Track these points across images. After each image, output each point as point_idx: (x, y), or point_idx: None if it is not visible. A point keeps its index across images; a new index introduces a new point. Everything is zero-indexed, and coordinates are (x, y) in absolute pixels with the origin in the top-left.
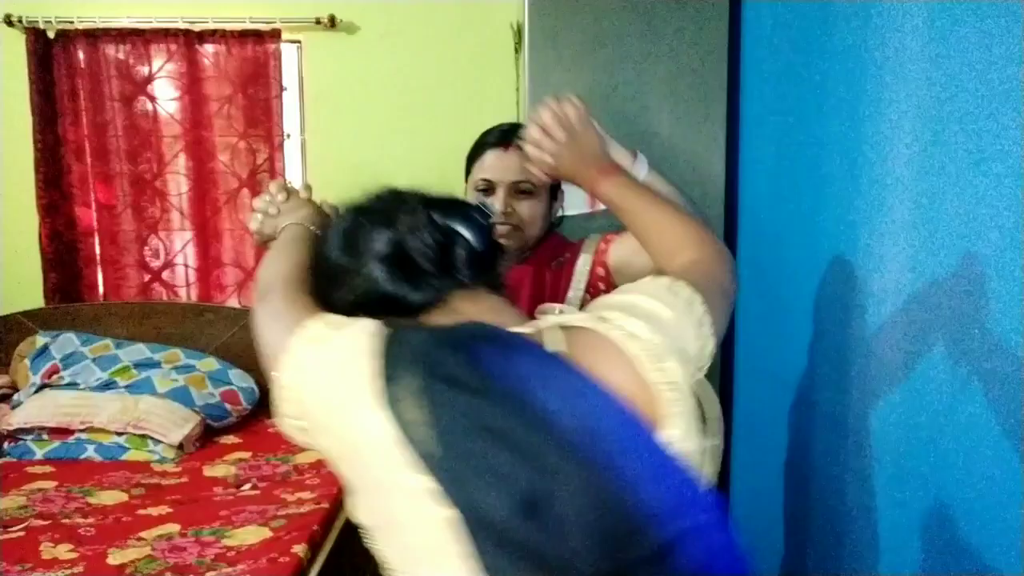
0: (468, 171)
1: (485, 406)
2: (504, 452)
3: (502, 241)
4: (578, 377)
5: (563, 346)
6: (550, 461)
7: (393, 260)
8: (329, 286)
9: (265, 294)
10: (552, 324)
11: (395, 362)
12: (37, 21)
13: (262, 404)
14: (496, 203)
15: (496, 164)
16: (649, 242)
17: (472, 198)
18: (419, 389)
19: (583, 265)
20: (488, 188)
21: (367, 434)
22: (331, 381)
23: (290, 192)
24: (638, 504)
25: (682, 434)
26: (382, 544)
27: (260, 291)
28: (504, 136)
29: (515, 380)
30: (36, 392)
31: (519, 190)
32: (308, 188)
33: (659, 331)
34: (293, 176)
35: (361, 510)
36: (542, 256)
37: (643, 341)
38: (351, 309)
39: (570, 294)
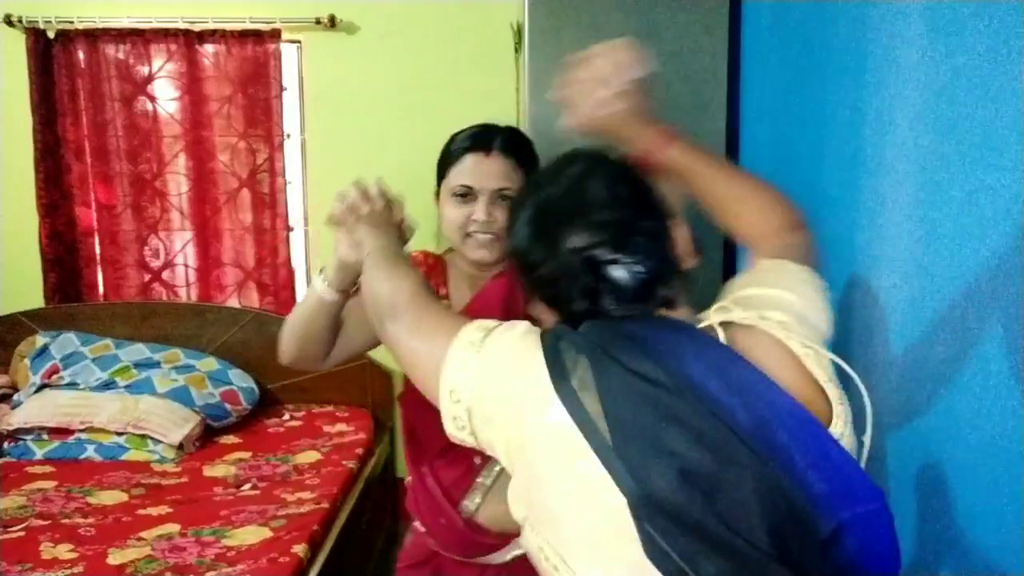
0: (442, 174)
1: (661, 394)
2: (680, 438)
3: (483, 252)
4: (751, 370)
5: (725, 343)
6: (726, 449)
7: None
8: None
9: (393, 311)
10: (713, 321)
11: (568, 355)
12: (37, 21)
13: (262, 404)
14: (478, 211)
15: (477, 169)
16: (730, 212)
17: (447, 205)
18: (593, 379)
19: None
20: (467, 194)
21: (541, 426)
22: (500, 377)
23: (390, 202)
24: (810, 494)
25: (846, 429)
26: (543, 537)
27: (384, 309)
28: (485, 140)
29: (690, 370)
30: (36, 392)
31: (501, 197)
32: (400, 206)
33: (807, 324)
34: (293, 176)
35: (523, 503)
36: (506, 276)
37: (803, 337)
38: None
39: None
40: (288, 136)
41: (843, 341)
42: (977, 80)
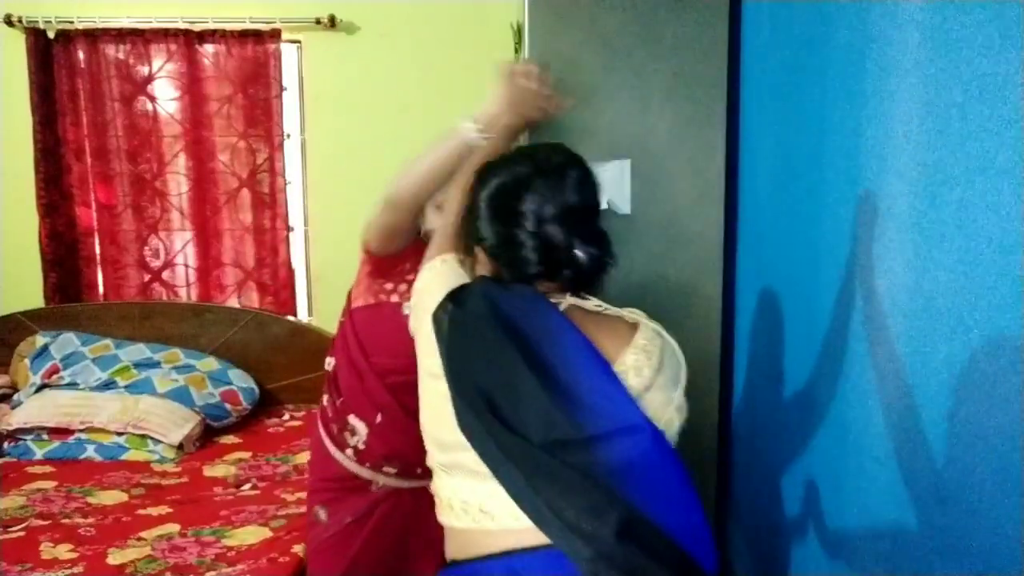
0: None
1: (486, 328)
2: (482, 359)
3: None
4: (567, 327)
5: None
6: (516, 368)
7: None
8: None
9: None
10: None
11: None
12: (37, 21)
13: (262, 404)
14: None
15: None
16: None
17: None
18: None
19: None
20: None
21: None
22: (425, 297)
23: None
24: (576, 403)
25: (636, 376)
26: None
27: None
28: None
29: (517, 316)
30: (36, 392)
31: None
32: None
33: None
34: (293, 176)
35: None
36: None
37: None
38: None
39: None
40: (288, 136)
41: (843, 341)
42: (977, 80)
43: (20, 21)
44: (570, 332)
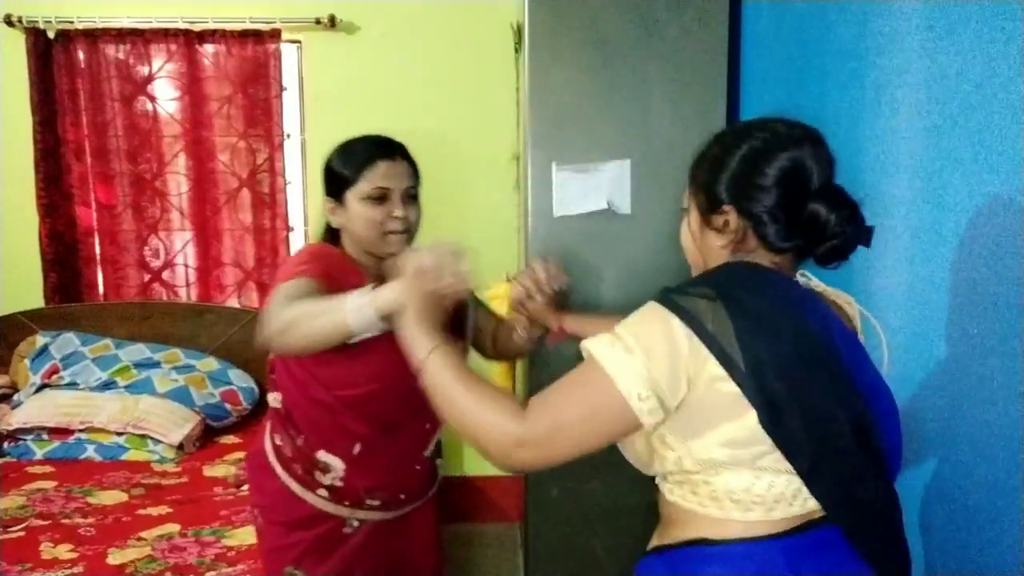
0: (349, 179)
1: (777, 319)
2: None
3: (397, 246)
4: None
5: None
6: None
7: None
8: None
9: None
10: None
11: (695, 307)
12: (37, 21)
13: (262, 404)
14: (396, 209)
15: (390, 172)
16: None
17: (362, 207)
18: (728, 319)
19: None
20: (383, 196)
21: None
22: (659, 357)
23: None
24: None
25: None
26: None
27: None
28: (390, 147)
29: (792, 309)
30: (36, 392)
31: (409, 196)
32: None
33: None
34: (293, 176)
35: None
36: None
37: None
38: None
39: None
40: (288, 136)
41: None
42: (977, 79)
43: (20, 21)
44: (832, 315)
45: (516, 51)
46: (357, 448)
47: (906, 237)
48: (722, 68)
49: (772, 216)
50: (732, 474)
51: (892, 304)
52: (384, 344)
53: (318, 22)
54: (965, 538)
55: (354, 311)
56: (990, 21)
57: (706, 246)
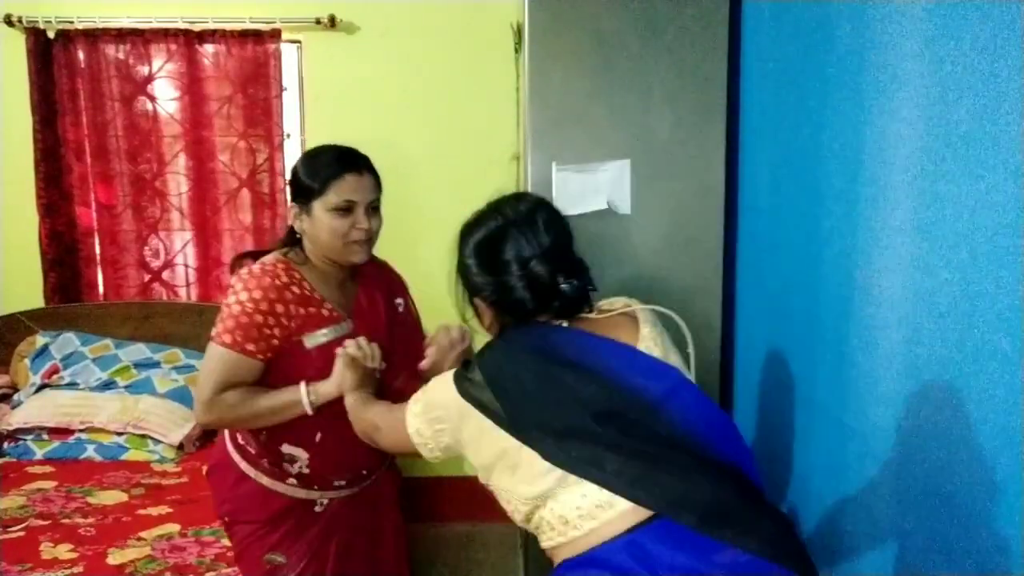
0: (317, 190)
1: (518, 370)
2: (530, 394)
3: (361, 255)
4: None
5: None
6: (558, 378)
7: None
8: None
9: (375, 429)
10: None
11: (473, 376)
12: (37, 21)
13: None
14: (361, 221)
15: (357, 186)
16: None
17: (327, 218)
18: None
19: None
20: (349, 208)
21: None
22: (439, 416)
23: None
24: (628, 378)
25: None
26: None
27: (370, 429)
28: (355, 160)
29: (536, 344)
30: (36, 392)
31: (372, 207)
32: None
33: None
34: None
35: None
36: (370, 275)
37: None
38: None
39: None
40: (288, 136)
41: (843, 342)
42: (977, 80)
43: (20, 21)
44: (586, 336)
45: (516, 51)
46: (318, 436)
47: (906, 237)
48: (722, 68)
49: (494, 296)
50: (555, 502)
51: (892, 304)
52: (332, 342)
53: (318, 22)
54: (965, 538)
55: (308, 405)
56: (990, 21)
57: (485, 328)
